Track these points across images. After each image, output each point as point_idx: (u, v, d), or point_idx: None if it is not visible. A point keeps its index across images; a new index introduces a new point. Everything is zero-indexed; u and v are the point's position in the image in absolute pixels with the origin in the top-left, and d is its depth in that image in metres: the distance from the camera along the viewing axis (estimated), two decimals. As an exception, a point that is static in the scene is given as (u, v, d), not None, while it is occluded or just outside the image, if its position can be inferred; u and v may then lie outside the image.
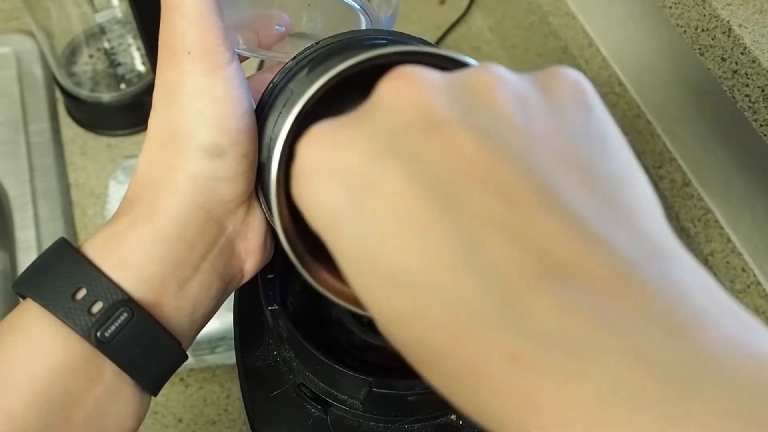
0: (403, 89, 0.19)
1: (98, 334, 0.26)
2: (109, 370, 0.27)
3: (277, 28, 0.35)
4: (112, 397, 0.27)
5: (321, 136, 0.20)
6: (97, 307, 0.27)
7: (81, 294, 0.27)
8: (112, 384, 0.27)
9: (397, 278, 0.18)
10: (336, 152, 0.19)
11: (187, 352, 0.55)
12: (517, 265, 0.16)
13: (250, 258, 0.32)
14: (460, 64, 0.24)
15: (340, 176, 0.19)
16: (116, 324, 0.27)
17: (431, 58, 0.24)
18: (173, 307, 0.28)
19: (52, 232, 0.65)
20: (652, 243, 0.17)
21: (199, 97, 0.28)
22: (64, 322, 0.26)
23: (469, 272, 0.17)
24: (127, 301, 0.27)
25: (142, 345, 0.27)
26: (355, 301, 0.28)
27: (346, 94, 0.25)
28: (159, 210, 0.28)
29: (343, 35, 0.30)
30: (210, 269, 0.30)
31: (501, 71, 0.20)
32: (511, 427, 0.16)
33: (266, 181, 0.27)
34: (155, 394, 0.30)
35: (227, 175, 0.29)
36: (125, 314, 0.27)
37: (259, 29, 0.35)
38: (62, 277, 0.27)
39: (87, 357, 0.27)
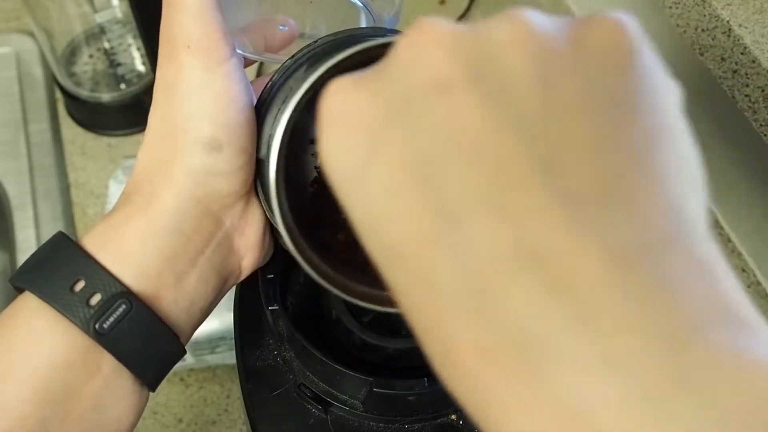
0: (420, 43, 0.18)
1: (96, 325, 0.26)
2: (107, 363, 0.27)
3: (280, 27, 0.36)
4: (111, 391, 0.27)
5: (347, 86, 0.19)
6: (95, 299, 0.27)
7: (79, 286, 0.27)
8: (111, 377, 0.27)
9: (389, 251, 0.17)
10: (357, 105, 0.18)
11: (188, 352, 0.54)
12: (492, 250, 0.15)
13: (248, 254, 0.32)
14: None
15: (358, 132, 0.18)
16: (114, 316, 0.27)
17: None
18: (171, 300, 0.29)
19: (52, 232, 0.64)
20: (655, 234, 0.15)
21: (199, 92, 0.28)
22: (63, 314, 0.26)
23: (448, 253, 0.16)
24: (126, 293, 0.27)
25: (140, 337, 0.27)
26: (358, 295, 0.28)
27: None
28: (156, 202, 0.29)
29: (341, 33, 0.30)
30: (207, 264, 0.30)
31: (530, 21, 0.17)
32: (486, 423, 0.15)
33: (265, 172, 0.28)
34: (153, 390, 0.30)
35: (225, 170, 0.29)
36: (123, 306, 0.27)
37: (266, 33, 0.35)
38: (60, 269, 0.27)
39: (86, 349, 0.27)
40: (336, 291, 0.27)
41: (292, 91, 0.28)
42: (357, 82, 0.19)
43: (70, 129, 0.73)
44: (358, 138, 0.18)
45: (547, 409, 0.14)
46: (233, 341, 0.38)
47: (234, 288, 0.39)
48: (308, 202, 0.30)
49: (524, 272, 0.15)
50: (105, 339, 0.27)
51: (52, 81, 0.74)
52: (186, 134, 0.28)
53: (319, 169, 0.30)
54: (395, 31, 0.31)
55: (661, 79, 0.17)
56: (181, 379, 0.58)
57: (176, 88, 0.28)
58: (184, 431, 0.56)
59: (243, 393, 0.36)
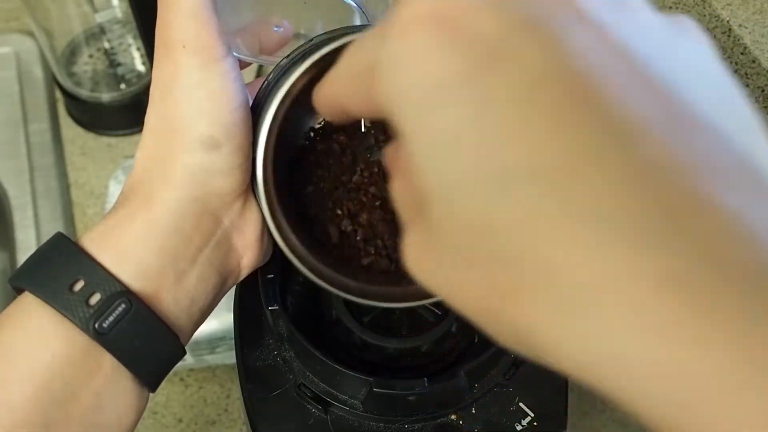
0: None
1: (96, 325, 0.26)
2: (107, 362, 0.27)
3: (275, 29, 0.36)
4: (111, 391, 0.27)
5: None
6: (95, 299, 0.27)
7: (79, 285, 0.27)
8: (111, 377, 0.27)
9: (502, 178, 0.14)
10: (467, 12, 0.15)
11: (188, 352, 0.54)
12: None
13: (247, 253, 0.32)
14: None
15: (463, 40, 0.15)
16: (114, 315, 0.27)
17: None
18: (171, 299, 0.29)
19: (52, 232, 0.64)
20: None
21: (195, 91, 0.28)
22: (63, 314, 0.26)
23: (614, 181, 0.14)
24: (125, 293, 0.27)
25: (140, 337, 0.27)
26: (352, 291, 0.28)
27: None
28: (156, 202, 0.29)
29: (337, 31, 0.30)
30: (207, 262, 0.30)
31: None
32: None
33: (254, 168, 0.28)
34: (153, 390, 0.30)
35: (223, 168, 0.29)
36: (123, 305, 0.27)
37: (260, 34, 0.35)
38: (60, 269, 0.27)
39: (86, 349, 0.27)
40: (326, 286, 0.27)
41: (278, 87, 0.28)
42: None
43: (70, 129, 0.73)
44: (464, 42, 0.15)
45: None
46: (233, 341, 0.38)
47: (234, 288, 0.39)
48: (301, 197, 0.30)
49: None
50: (105, 338, 0.27)
51: (52, 81, 0.74)
52: (183, 133, 0.29)
53: (311, 163, 0.30)
54: None
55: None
56: (181, 379, 0.58)
57: (173, 87, 0.28)
58: (184, 431, 0.56)
59: (243, 393, 0.36)
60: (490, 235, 0.15)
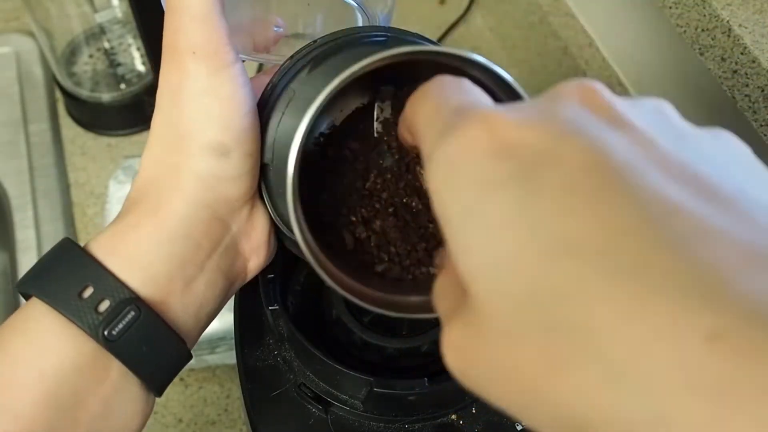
0: (588, 91, 0.18)
1: (105, 332, 0.26)
2: (115, 369, 0.27)
3: (276, 29, 0.35)
4: (119, 397, 0.27)
5: (486, 116, 0.18)
6: (104, 306, 0.27)
7: (88, 292, 0.27)
8: (119, 383, 0.27)
9: (548, 252, 0.16)
10: (508, 130, 0.17)
11: (188, 352, 0.54)
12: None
13: (254, 256, 0.32)
14: (467, 62, 0.24)
15: (511, 149, 0.17)
16: (123, 322, 0.27)
17: (438, 56, 0.24)
18: (180, 305, 0.29)
19: (52, 232, 0.65)
20: None
21: (204, 97, 0.28)
22: (71, 321, 0.26)
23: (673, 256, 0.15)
24: (134, 300, 0.27)
25: (148, 343, 0.27)
26: (366, 297, 0.27)
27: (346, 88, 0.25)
28: (165, 209, 0.29)
29: (340, 33, 0.30)
30: (215, 268, 0.30)
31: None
32: None
33: (280, 180, 0.27)
34: (160, 395, 0.30)
35: (232, 174, 0.29)
36: (132, 312, 0.27)
37: (255, 33, 0.35)
38: (68, 275, 0.27)
39: (94, 356, 0.27)
40: (349, 296, 0.27)
41: (296, 96, 0.28)
42: (504, 111, 0.18)
43: (70, 129, 0.73)
44: (510, 153, 0.17)
45: None
46: (233, 341, 0.38)
47: (234, 288, 0.39)
48: (313, 204, 0.30)
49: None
50: (114, 345, 0.27)
51: (52, 81, 0.74)
52: (193, 139, 0.28)
53: (323, 169, 0.30)
54: (393, 29, 0.31)
55: None
56: (181, 379, 0.58)
57: (182, 94, 0.28)
58: (184, 431, 0.56)
59: (243, 393, 0.36)
60: (539, 306, 0.16)
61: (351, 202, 0.29)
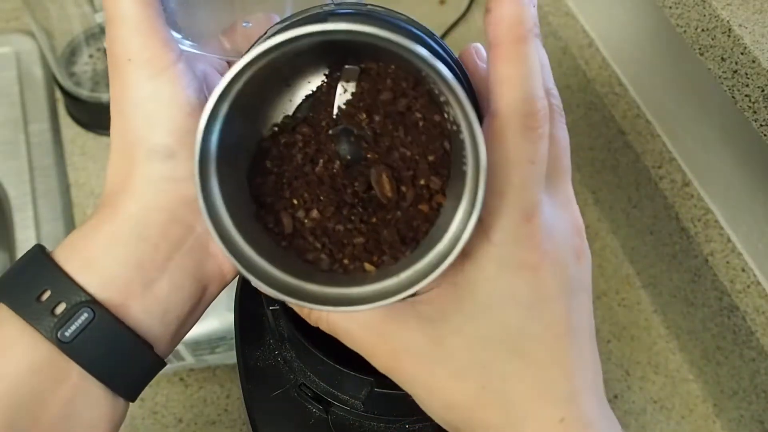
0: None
1: (59, 334, 0.27)
2: (75, 371, 0.27)
3: (243, 24, 0.35)
4: (81, 399, 0.28)
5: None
6: (60, 308, 0.27)
7: (45, 296, 0.27)
8: (80, 385, 0.28)
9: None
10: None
11: (188, 352, 0.54)
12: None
13: None
14: (410, 52, 0.22)
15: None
16: (77, 324, 0.27)
17: (377, 39, 0.22)
18: (140, 308, 0.29)
19: (52, 232, 0.65)
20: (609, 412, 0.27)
21: (146, 103, 0.28)
22: (29, 323, 0.27)
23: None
24: (89, 302, 0.27)
25: (106, 346, 0.28)
26: (302, 294, 0.25)
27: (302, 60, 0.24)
28: (119, 213, 0.29)
29: (317, 7, 0.29)
30: (179, 270, 0.30)
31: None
32: None
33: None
34: (132, 400, 0.30)
35: (183, 175, 0.29)
36: (86, 314, 0.27)
37: (224, 32, 0.34)
38: (30, 280, 0.28)
39: (51, 357, 0.27)
40: (246, 273, 0.25)
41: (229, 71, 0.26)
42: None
43: (70, 129, 0.73)
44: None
45: None
46: (233, 341, 0.38)
47: (234, 288, 0.39)
48: (260, 189, 0.28)
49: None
50: (68, 347, 0.27)
51: (52, 81, 0.74)
52: (139, 145, 0.29)
53: (274, 156, 0.29)
54: (376, 7, 0.30)
55: None
56: (181, 379, 0.58)
57: (124, 102, 0.29)
58: (184, 431, 0.56)
59: (243, 393, 0.36)
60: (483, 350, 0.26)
61: (296, 186, 0.28)
